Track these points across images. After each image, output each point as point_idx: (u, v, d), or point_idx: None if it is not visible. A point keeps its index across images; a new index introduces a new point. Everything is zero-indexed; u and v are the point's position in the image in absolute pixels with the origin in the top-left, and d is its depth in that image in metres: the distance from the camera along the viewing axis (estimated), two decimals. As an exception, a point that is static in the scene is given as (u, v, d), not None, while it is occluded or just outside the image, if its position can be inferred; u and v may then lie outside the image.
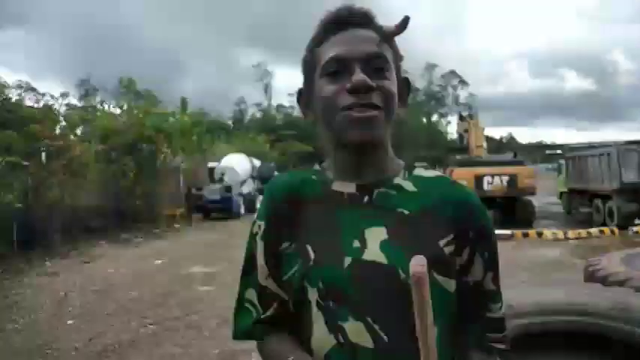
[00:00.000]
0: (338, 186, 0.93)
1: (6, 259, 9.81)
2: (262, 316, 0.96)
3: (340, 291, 0.84)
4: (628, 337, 2.30)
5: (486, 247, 0.92)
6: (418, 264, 0.67)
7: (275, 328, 0.96)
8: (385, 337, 0.82)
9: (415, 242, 0.85)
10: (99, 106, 19.01)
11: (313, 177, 0.98)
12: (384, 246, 0.85)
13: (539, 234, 11.72)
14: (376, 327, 0.83)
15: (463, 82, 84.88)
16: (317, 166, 1.01)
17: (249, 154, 26.31)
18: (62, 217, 12.18)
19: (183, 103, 19.21)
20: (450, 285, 0.87)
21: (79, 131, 15.21)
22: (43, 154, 11.65)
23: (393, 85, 0.88)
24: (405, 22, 0.89)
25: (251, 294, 0.98)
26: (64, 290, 7.36)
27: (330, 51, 0.88)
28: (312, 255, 0.88)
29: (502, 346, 0.94)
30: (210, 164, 21.71)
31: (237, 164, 20.17)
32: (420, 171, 0.97)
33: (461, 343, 0.92)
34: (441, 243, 0.88)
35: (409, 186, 0.93)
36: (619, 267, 3.63)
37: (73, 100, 31.42)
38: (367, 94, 0.84)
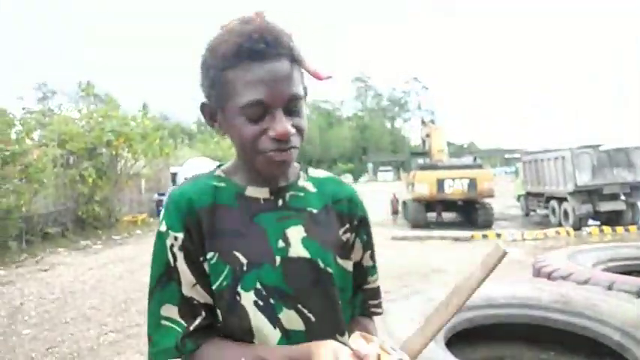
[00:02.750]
0: (252, 192, 0.99)
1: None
2: (191, 328, 0.92)
3: (276, 288, 0.93)
4: (568, 326, 2.43)
5: (365, 231, 1.11)
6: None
7: (208, 336, 0.93)
8: (313, 318, 0.95)
9: (325, 235, 1.01)
10: (57, 110, 18.46)
11: (222, 184, 1.00)
12: (305, 242, 0.98)
13: (498, 235, 12.05)
14: (305, 311, 0.95)
15: (425, 88, 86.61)
16: (217, 171, 1.04)
17: (214, 158, 26.02)
18: (18, 223, 11.80)
19: (145, 107, 18.90)
20: (349, 265, 1.06)
21: (35, 136, 14.73)
22: (-2, 159, 11.28)
23: (305, 120, 0.96)
24: (328, 78, 0.94)
25: (169, 310, 0.92)
26: (19, 299, 7.14)
27: (249, 89, 0.88)
28: (243, 260, 0.93)
29: (379, 311, 1.12)
30: (173, 169, 21.42)
31: (200, 169, 19.75)
32: (313, 172, 1.12)
33: (348, 311, 1.08)
34: (340, 232, 1.05)
35: (310, 187, 1.07)
36: (564, 263, 3.83)
37: (30, 104, 30.42)
38: (287, 139, 0.91)
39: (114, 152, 16.51)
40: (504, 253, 0.89)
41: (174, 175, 20.41)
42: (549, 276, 3.56)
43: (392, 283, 6.64)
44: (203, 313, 0.93)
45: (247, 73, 0.88)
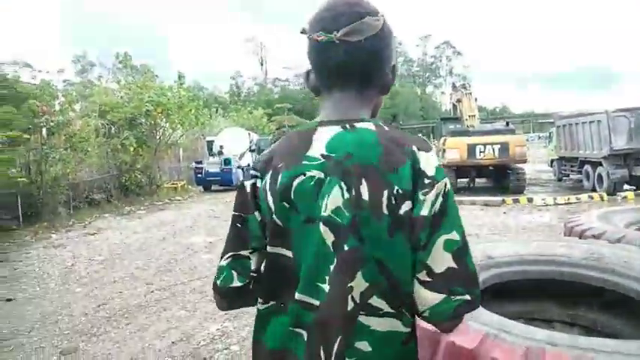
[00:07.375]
0: None
1: (12, 233, 10.04)
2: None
3: None
4: (599, 283, 2.43)
5: None
6: None
7: None
8: None
9: None
10: (96, 81, 18.98)
11: None
12: None
13: (529, 200, 11.96)
14: None
15: (457, 53, 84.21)
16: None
17: (247, 127, 26.49)
18: (66, 190, 12.40)
19: (180, 77, 19.18)
20: None
21: (77, 107, 15.26)
22: (44, 130, 11.79)
23: None
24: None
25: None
26: (71, 261, 7.54)
27: None
28: None
29: None
30: (209, 138, 21.90)
31: (235, 138, 20.40)
32: None
33: None
34: None
35: None
36: (595, 223, 3.82)
37: (70, 76, 31.17)
38: None
39: (152, 122, 16.95)
40: None
41: (210, 144, 21.02)
42: (581, 235, 3.53)
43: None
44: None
45: None
